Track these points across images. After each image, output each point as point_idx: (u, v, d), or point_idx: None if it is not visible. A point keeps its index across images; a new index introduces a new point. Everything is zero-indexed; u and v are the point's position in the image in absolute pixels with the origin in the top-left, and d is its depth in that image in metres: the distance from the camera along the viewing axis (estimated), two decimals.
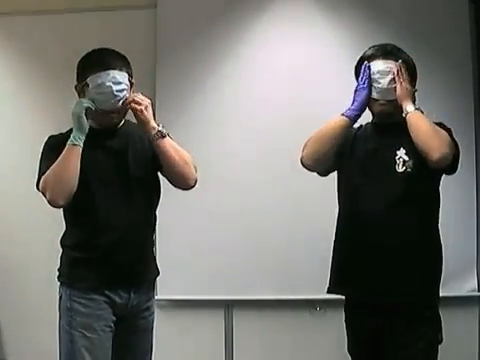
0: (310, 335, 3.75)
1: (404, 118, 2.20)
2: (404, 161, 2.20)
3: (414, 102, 2.24)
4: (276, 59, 3.77)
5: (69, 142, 2.20)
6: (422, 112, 2.20)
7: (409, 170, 2.19)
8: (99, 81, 2.20)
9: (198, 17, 3.85)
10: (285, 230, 3.68)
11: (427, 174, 2.18)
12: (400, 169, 2.20)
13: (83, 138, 2.21)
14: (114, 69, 2.23)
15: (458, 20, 3.70)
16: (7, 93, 4.04)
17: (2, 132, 4.03)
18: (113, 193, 2.28)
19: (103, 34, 3.72)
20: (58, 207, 2.24)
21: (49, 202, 2.22)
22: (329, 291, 2.36)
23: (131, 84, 2.31)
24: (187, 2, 3.89)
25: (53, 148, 2.27)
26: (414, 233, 2.19)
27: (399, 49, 2.29)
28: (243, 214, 3.72)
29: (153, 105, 3.68)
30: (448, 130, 2.23)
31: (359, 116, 2.28)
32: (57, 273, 2.35)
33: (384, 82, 2.21)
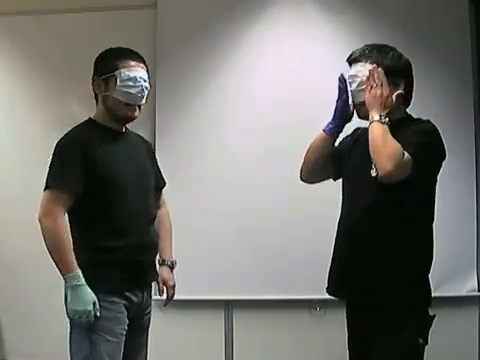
0: (310, 335, 3.75)
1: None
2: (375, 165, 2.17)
3: (395, 105, 2.19)
4: (276, 60, 3.77)
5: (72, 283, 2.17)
6: (383, 122, 2.13)
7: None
8: (131, 75, 2.26)
9: (198, 17, 3.85)
10: (285, 230, 3.68)
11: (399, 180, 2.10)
12: (373, 173, 2.16)
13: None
14: (141, 67, 2.31)
15: (458, 20, 3.70)
16: (7, 93, 4.04)
17: (1, 132, 4.02)
18: (131, 195, 2.30)
19: (103, 34, 3.72)
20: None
21: (40, 212, 2.22)
22: (326, 290, 2.39)
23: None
24: (187, 2, 3.89)
25: (74, 150, 2.23)
26: (389, 237, 2.15)
27: (374, 50, 2.23)
28: (243, 214, 3.71)
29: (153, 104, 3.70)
30: (424, 134, 2.12)
31: (335, 128, 2.32)
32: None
33: (354, 86, 2.23)
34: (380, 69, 2.18)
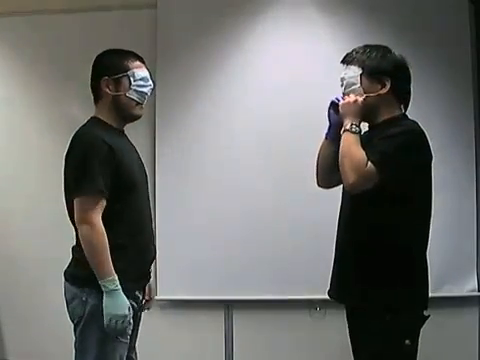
0: (310, 335, 3.75)
1: (378, 123, 2.22)
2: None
3: (376, 110, 2.22)
4: (276, 61, 3.76)
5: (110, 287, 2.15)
6: (354, 131, 2.15)
7: None
8: (143, 75, 2.34)
9: (198, 17, 3.84)
10: (285, 230, 3.68)
11: (377, 183, 2.11)
12: None
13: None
14: (145, 67, 2.39)
15: (458, 20, 3.69)
16: (6, 93, 4.03)
17: (1, 133, 4.02)
18: (140, 194, 2.34)
19: (103, 34, 3.71)
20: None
21: (77, 219, 2.19)
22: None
23: None
24: (187, 2, 3.88)
25: (103, 151, 2.20)
26: (373, 238, 2.16)
27: (359, 52, 2.26)
28: (243, 215, 3.71)
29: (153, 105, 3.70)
30: (391, 139, 2.11)
31: (332, 134, 2.32)
32: (69, 275, 2.30)
33: (342, 88, 2.28)
34: (358, 76, 2.20)
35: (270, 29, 3.80)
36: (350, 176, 2.08)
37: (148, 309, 2.53)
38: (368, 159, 2.08)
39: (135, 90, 2.31)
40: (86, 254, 2.17)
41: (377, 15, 3.70)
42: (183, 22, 3.86)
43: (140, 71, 2.33)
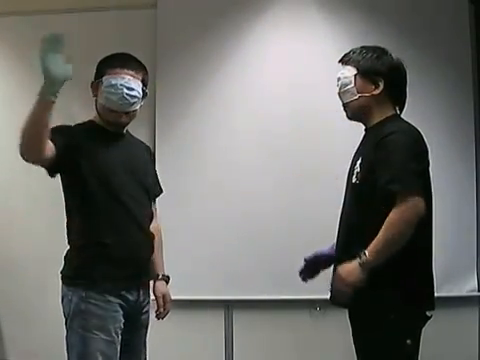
0: (310, 335, 3.75)
1: (372, 126, 2.24)
2: (357, 173, 2.21)
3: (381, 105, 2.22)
4: (276, 60, 3.77)
5: (42, 99, 2.13)
6: (364, 261, 2.11)
7: (357, 182, 2.20)
8: (113, 82, 2.29)
9: (198, 17, 3.85)
10: (285, 231, 3.68)
11: (371, 188, 2.12)
12: (353, 180, 2.22)
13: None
14: (129, 74, 2.31)
15: (458, 20, 3.70)
16: (6, 93, 4.03)
17: (1, 133, 4.01)
18: (126, 195, 2.33)
19: (103, 34, 3.72)
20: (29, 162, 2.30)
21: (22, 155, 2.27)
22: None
23: (145, 94, 2.39)
24: (187, 2, 3.89)
25: (66, 128, 2.29)
26: (367, 238, 2.13)
27: (355, 52, 2.28)
28: (243, 215, 3.71)
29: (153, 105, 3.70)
30: (389, 155, 2.09)
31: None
32: (61, 275, 2.34)
33: (338, 88, 2.29)
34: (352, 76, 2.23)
35: (270, 29, 3.80)
36: (411, 224, 2.05)
37: (163, 318, 2.51)
38: (394, 196, 2.04)
39: (103, 96, 2.31)
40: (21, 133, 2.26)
41: (377, 15, 3.71)
42: (183, 22, 3.86)
43: (112, 78, 2.29)
